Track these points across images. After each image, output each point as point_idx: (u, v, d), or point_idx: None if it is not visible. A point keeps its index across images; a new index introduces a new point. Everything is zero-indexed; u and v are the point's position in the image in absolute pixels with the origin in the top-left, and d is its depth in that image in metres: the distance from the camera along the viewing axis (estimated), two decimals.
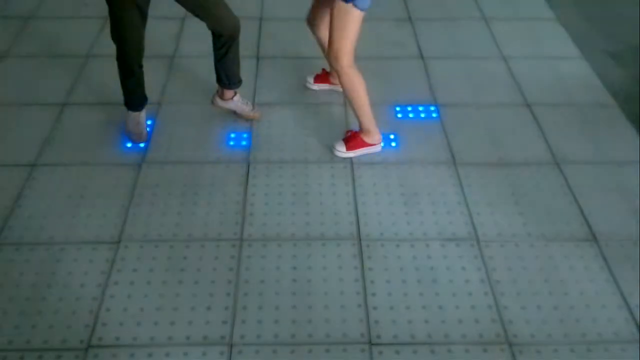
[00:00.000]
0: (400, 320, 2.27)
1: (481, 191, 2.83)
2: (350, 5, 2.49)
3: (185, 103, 3.23)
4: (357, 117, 2.91)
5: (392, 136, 3.11)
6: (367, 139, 2.95)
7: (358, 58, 2.77)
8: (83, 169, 2.88)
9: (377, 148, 3.00)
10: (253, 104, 3.21)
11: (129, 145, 3.00)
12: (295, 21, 4.07)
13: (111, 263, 2.45)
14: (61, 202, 2.70)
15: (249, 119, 3.16)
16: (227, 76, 3.01)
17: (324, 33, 2.87)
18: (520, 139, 3.15)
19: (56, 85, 3.42)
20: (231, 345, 2.17)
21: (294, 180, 2.86)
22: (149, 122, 3.11)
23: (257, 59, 3.70)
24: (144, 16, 2.61)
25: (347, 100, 2.89)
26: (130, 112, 3.00)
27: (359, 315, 2.29)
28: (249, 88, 3.42)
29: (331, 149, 3.01)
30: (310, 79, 3.40)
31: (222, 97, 3.12)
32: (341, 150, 2.97)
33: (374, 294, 2.36)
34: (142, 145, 3.01)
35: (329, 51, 2.70)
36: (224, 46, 2.83)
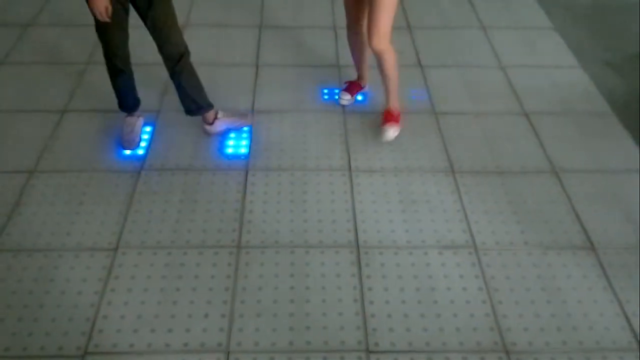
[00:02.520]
0: (398, 328, 2.27)
1: (479, 199, 2.84)
2: None
3: (181, 110, 3.23)
4: (391, 91, 3.06)
5: (391, 151, 3.11)
6: (396, 107, 3.13)
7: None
8: (81, 175, 2.88)
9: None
10: (241, 111, 3.20)
11: (127, 152, 3.00)
12: (294, 29, 4.10)
13: (109, 270, 2.45)
14: (59, 209, 2.70)
15: (246, 127, 3.15)
16: (192, 101, 2.97)
17: (365, 36, 2.92)
18: (518, 147, 3.16)
19: (55, 92, 3.42)
20: (228, 353, 2.17)
21: (292, 188, 2.86)
22: (148, 129, 3.11)
23: (257, 66, 3.71)
24: (126, 12, 2.63)
25: (387, 77, 2.99)
26: (125, 117, 3.02)
27: (356, 323, 2.28)
28: (248, 95, 3.43)
29: (383, 136, 3.08)
30: (346, 95, 3.37)
31: (207, 121, 3.10)
32: (393, 130, 3.08)
33: (371, 302, 2.36)
34: (140, 152, 3.01)
35: (375, 33, 2.74)
36: (176, 70, 2.82)
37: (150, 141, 3.09)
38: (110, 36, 2.68)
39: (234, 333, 2.23)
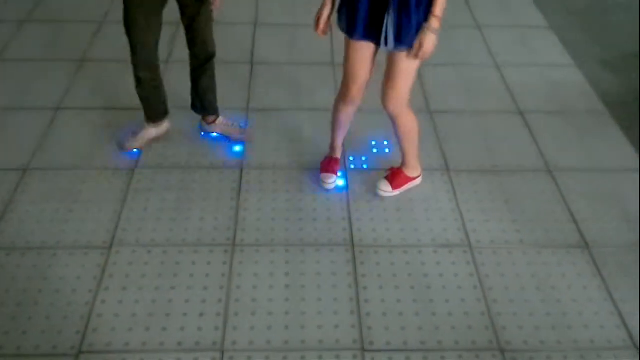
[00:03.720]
0: (393, 327, 2.27)
1: (474, 198, 2.84)
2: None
3: (179, 108, 3.22)
4: (407, 154, 2.77)
5: (387, 150, 3.11)
6: (410, 173, 2.83)
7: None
8: (75, 173, 2.87)
9: (419, 180, 2.88)
10: (245, 125, 3.15)
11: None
12: (289, 27, 4.09)
13: (103, 268, 2.44)
14: (53, 207, 2.69)
15: (240, 142, 3.10)
16: (201, 102, 3.00)
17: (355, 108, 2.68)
18: (513, 146, 3.16)
19: (50, 89, 3.41)
20: (223, 352, 2.16)
21: (287, 186, 2.86)
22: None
23: (251, 64, 3.70)
24: (162, 6, 2.59)
25: (403, 139, 2.70)
26: (150, 128, 2.96)
27: (352, 322, 2.28)
28: (243, 94, 3.42)
29: (376, 190, 2.82)
30: (329, 179, 2.85)
31: (206, 121, 3.11)
32: (387, 190, 2.80)
33: (367, 301, 2.36)
34: (135, 150, 2.99)
35: (393, 97, 2.51)
36: (199, 69, 2.85)
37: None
38: (145, 32, 2.60)
39: (228, 332, 2.23)
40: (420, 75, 3.67)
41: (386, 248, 2.58)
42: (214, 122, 3.07)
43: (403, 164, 2.82)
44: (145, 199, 2.75)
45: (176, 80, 3.41)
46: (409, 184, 2.85)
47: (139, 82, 2.78)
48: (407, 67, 2.41)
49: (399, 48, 2.34)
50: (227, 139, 3.10)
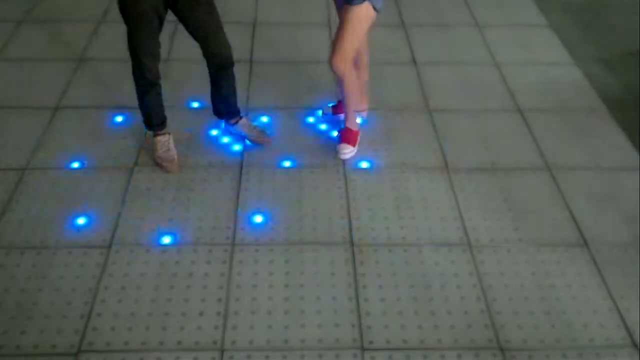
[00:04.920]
0: (392, 326, 2.27)
1: (473, 197, 2.84)
2: (368, 5, 2.54)
3: (177, 107, 3.22)
4: (348, 109, 2.97)
5: (386, 148, 3.11)
6: (354, 126, 3.02)
7: None
8: (74, 172, 2.87)
9: (365, 114, 3.21)
10: (262, 131, 3.11)
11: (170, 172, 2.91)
12: (288, 26, 4.09)
13: (102, 267, 2.43)
14: (52, 206, 2.68)
15: (257, 143, 3.09)
16: (226, 107, 2.99)
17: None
18: (512, 144, 3.16)
19: (49, 88, 3.40)
20: (223, 351, 2.16)
21: (287, 185, 2.86)
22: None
23: (251, 63, 3.70)
24: (161, 23, 2.57)
25: (347, 97, 2.89)
26: (157, 138, 2.91)
27: (351, 321, 2.28)
28: (242, 93, 3.41)
29: (337, 154, 2.99)
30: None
31: (227, 121, 3.09)
32: (348, 151, 2.99)
33: (366, 299, 2.36)
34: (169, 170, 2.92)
35: (335, 55, 2.68)
36: (218, 75, 2.83)
37: (144, 138, 3.07)
38: (146, 47, 2.59)
39: (228, 331, 2.23)
40: (419, 73, 3.68)
41: (385, 247, 2.58)
42: (236, 122, 3.06)
43: (346, 119, 3.02)
44: (145, 198, 2.75)
45: (176, 77, 3.41)
46: (358, 135, 3.06)
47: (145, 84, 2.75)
48: (352, 22, 2.59)
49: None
50: (245, 138, 3.09)
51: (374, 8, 2.57)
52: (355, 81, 2.84)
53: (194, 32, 2.67)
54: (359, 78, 2.96)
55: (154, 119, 2.89)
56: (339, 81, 2.83)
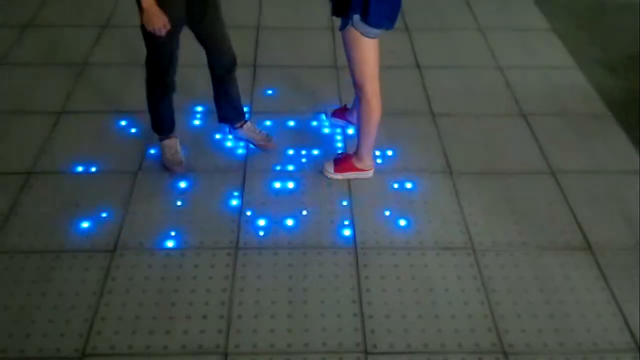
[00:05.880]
0: (396, 329, 2.27)
1: (477, 200, 2.84)
2: (355, 31, 2.44)
3: (181, 110, 3.23)
4: (359, 143, 2.82)
5: (390, 152, 3.11)
6: (358, 164, 2.88)
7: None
8: (78, 176, 2.88)
9: (368, 174, 2.92)
10: (267, 135, 3.11)
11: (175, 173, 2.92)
12: (291, 30, 4.10)
13: (106, 271, 2.44)
14: (57, 210, 2.69)
15: (262, 148, 3.09)
16: (232, 110, 3.00)
17: None
18: (515, 148, 3.16)
19: (52, 93, 3.42)
20: (226, 355, 2.17)
21: (290, 189, 2.86)
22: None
23: (254, 67, 3.71)
24: (181, 27, 2.56)
25: (359, 125, 2.77)
26: (164, 142, 2.92)
27: (355, 324, 2.28)
28: (245, 98, 3.42)
29: (321, 168, 2.95)
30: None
31: (233, 126, 3.10)
32: (329, 171, 2.91)
33: (370, 303, 2.36)
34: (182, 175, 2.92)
35: (353, 79, 2.65)
36: (225, 79, 2.84)
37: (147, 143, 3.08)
38: (168, 53, 2.58)
39: (232, 335, 2.23)
40: (422, 77, 3.68)
41: (389, 250, 2.58)
42: (241, 126, 3.07)
43: (355, 152, 2.88)
44: (149, 202, 2.76)
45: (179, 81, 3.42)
46: (354, 173, 2.91)
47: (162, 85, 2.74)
48: (348, 45, 2.54)
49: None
50: (250, 143, 3.09)
51: (363, 34, 2.44)
52: (376, 113, 2.70)
53: (205, 41, 2.68)
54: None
55: (165, 123, 2.90)
56: (358, 100, 2.73)
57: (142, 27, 2.43)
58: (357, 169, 2.90)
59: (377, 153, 3.06)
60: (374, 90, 2.64)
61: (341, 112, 3.26)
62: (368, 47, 2.51)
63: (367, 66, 2.57)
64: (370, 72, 2.59)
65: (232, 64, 2.81)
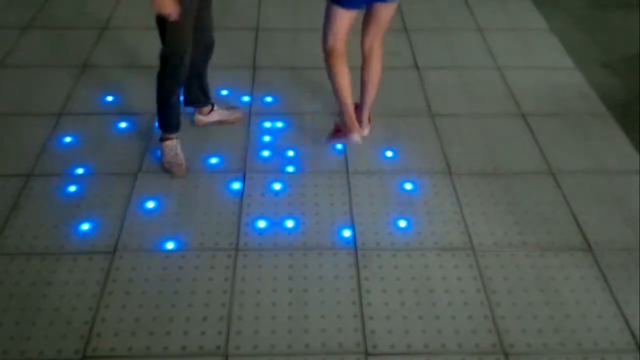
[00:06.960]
0: (396, 330, 2.27)
1: (477, 201, 2.84)
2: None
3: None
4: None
5: (389, 153, 3.11)
6: (339, 117, 2.98)
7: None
8: (78, 178, 2.87)
9: (353, 138, 2.94)
10: (233, 107, 3.19)
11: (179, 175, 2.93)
12: (291, 31, 4.10)
13: (106, 273, 2.44)
14: (56, 212, 2.69)
15: (233, 123, 3.13)
16: (204, 93, 3.05)
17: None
18: (515, 148, 3.16)
19: (53, 94, 3.41)
20: (227, 356, 2.17)
21: (289, 190, 2.86)
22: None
23: (254, 69, 3.71)
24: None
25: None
26: (165, 142, 2.90)
27: (355, 325, 2.28)
28: (245, 97, 3.42)
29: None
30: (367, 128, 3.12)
31: (202, 113, 3.14)
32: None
33: (370, 304, 2.36)
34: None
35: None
36: (204, 59, 2.87)
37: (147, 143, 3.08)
38: (187, 46, 2.57)
39: (232, 336, 2.23)
40: (421, 77, 3.68)
41: (389, 251, 2.58)
42: (211, 111, 3.09)
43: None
44: (148, 203, 2.76)
45: None
46: (340, 138, 3.04)
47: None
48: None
49: None
50: (220, 124, 3.14)
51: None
52: (332, 75, 2.78)
53: (197, 24, 2.65)
54: (365, 94, 2.94)
55: (174, 119, 2.88)
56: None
57: (157, 18, 2.44)
58: (341, 135, 3.02)
59: (377, 153, 3.06)
60: (328, 53, 2.71)
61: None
62: (334, 13, 2.61)
63: (327, 29, 2.67)
64: (326, 35, 2.68)
65: (211, 46, 2.84)
